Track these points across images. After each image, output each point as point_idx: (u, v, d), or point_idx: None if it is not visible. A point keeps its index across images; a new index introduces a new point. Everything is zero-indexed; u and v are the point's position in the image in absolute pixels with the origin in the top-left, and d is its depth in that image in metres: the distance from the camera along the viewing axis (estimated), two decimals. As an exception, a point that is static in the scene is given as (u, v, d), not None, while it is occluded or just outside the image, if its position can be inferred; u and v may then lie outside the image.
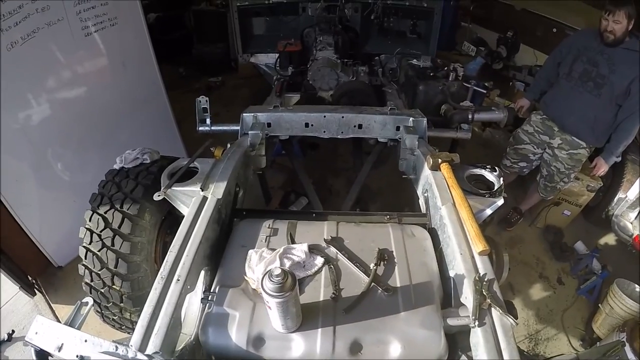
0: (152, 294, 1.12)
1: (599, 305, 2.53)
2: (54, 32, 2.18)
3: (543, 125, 2.60)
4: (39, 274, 2.65)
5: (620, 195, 2.86)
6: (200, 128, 2.23)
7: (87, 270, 1.60)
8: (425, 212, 1.64)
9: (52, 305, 2.58)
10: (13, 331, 2.40)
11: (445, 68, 2.71)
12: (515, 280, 2.76)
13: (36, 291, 2.60)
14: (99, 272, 1.57)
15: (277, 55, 3.12)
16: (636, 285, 2.46)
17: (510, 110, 2.49)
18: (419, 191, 1.79)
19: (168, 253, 1.23)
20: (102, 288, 1.59)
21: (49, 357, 1.12)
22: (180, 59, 3.59)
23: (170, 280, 1.15)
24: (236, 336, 1.09)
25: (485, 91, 2.85)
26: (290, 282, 0.94)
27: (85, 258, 1.59)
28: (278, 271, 0.94)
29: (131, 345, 1.01)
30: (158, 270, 1.64)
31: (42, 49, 2.17)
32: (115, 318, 1.69)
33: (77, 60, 2.41)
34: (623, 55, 2.18)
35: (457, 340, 1.20)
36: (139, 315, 1.08)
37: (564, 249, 2.98)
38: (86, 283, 1.62)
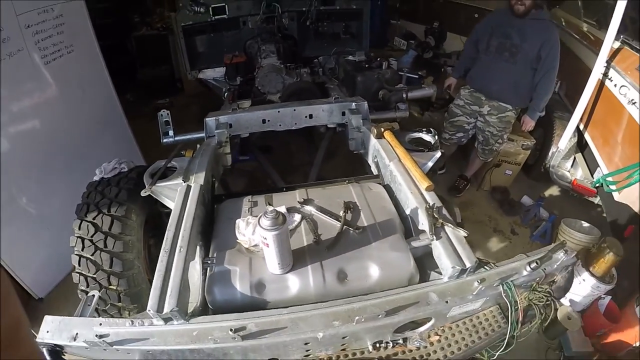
0: (160, 265, 1.35)
1: (550, 241, 3.00)
2: (15, 60, 2.37)
3: (472, 97, 3.09)
4: (20, 308, 2.67)
5: (553, 149, 3.35)
6: (165, 140, 2.45)
7: (81, 277, 1.76)
8: (377, 173, 1.99)
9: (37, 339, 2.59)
10: None
11: (378, 59, 3.14)
12: (472, 238, 3.12)
13: None
14: (95, 276, 1.74)
15: (224, 68, 3.41)
16: (582, 222, 2.94)
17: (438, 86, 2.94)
18: (370, 160, 2.17)
19: (166, 231, 1.47)
20: (99, 291, 1.75)
21: (62, 355, 1.29)
22: (125, 86, 3.74)
23: (174, 251, 1.39)
24: (240, 287, 1.35)
25: (417, 76, 3.29)
26: (282, 218, 1.24)
27: (79, 265, 1.76)
28: (271, 209, 1.22)
29: (149, 310, 1.22)
30: (149, 269, 1.86)
31: (5, 78, 2.32)
32: (115, 320, 1.85)
33: (38, 88, 2.59)
34: (531, 25, 2.70)
35: (424, 263, 1.53)
36: (139, 311, 1.25)
37: (512, 204, 3.46)
38: (82, 290, 1.76)
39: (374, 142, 2.05)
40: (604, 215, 3.07)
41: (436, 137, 2.00)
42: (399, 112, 2.75)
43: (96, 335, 1.17)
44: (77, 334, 1.20)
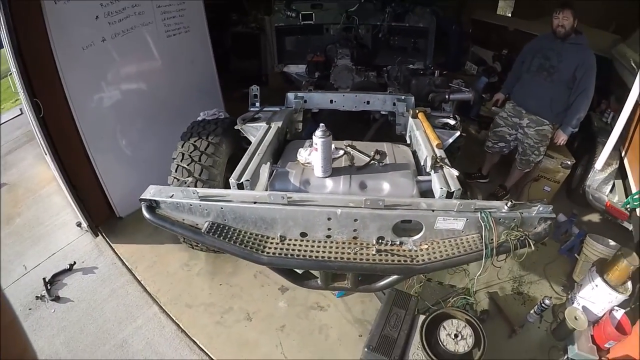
0: (249, 150, 2.20)
1: (576, 255, 3.32)
2: (145, 30, 3.46)
3: (514, 110, 3.64)
4: (102, 221, 3.69)
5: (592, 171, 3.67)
6: (251, 109, 3.22)
7: (175, 180, 2.55)
8: (409, 142, 2.68)
9: (112, 244, 3.55)
10: (74, 262, 3.35)
11: (431, 68, 3.83)
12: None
13: (98, 233, 3.63)
14: (186, 180, 2.51)
15: (305, 65, 4.30)
16: (609, 240, 3.19)
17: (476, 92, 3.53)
18: (406, 134, 2.86)
19: (253, 141, 2.28)
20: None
21: (156, 210, 1.98)
22: (219, 73, 4.70)
23: (256, 151, 2.18)
24: (293, 181, 2.12)
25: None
26: (329, 133, 1.99)
27: (176, 172, 2.55)
28: (323, 126, 1.97)
29: (231, 179, 2.01)
30: (225, 187, 2.63)
31: (136, 42, 3.42)
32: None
33: (159, 54, 3.66)
34: (568, 48, 3.22)
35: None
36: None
37: (546, 218, 3.82)
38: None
39: (410, 120, 2.75)
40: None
41: (458, 121, 2.64)
42: (443, 113, 3.36)
43: (194, 193, 1.93)
44: (172, 194, 1.97)
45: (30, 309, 3.02)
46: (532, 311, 2.89)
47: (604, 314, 2.71)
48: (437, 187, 2.01)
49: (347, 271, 2.05)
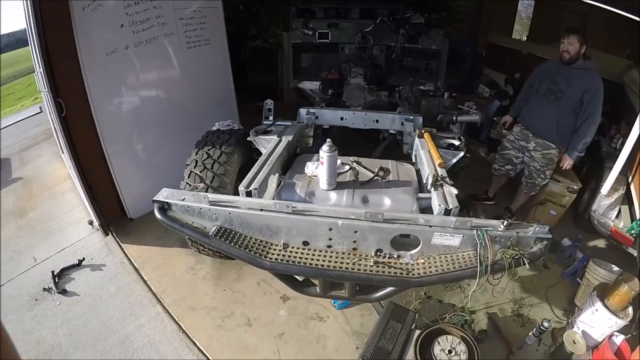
0: (256, 166, 2.32)
1: (578, 279, 3.36)
2: (167, 41, 3.68)
3: (521, 133, 3.74)
4: (114, 221, 3.85)
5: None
6: (265, 122, 3.39)
7: (188, 185, 2.71)
8: (414, 161, 2.80)
9: (121, 244, 3.71)
10: (83, 258, 3.51)
11: (441, 89, 3.96)
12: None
13: (109, 232, 3.79)
14: (197, 185, 2.66)
15: (319, 82, 4.47)
16: (612, 265, 3.22)
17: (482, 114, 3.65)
18: (412, 152, 2.98)
19: (263, 153, 2.43)
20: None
21: (167, 212, 2.12)
22: (235, 85, 4.90)
23: (266, 162, 2.34)
24: (299, 192, 2.25)
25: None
26: (335, 148, 2.12)
27: (189, 177, 2.73)
28: (330, 141, 2.10)
29: (240, 186, 2.16)
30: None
31: (158, 51, 3.64)
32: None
33: (179, 64, 3.88)
34: (576, 74, 3.32)
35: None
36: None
37: (551, 242, 3.86)
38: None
39: (416, 140, 2.88)
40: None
41: (462, 142, 2.76)
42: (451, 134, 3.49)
43: (204, 197, 2.08)
44: (184, 198, 2.13)
45: (36, 299, 3.19)
46: (530, 333, 2.91)
47: (604, 339, 2.71)
48: (435, 204, 2.12)
49: (345, 280, 2.16)
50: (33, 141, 5.93)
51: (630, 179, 3.55)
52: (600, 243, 4.00)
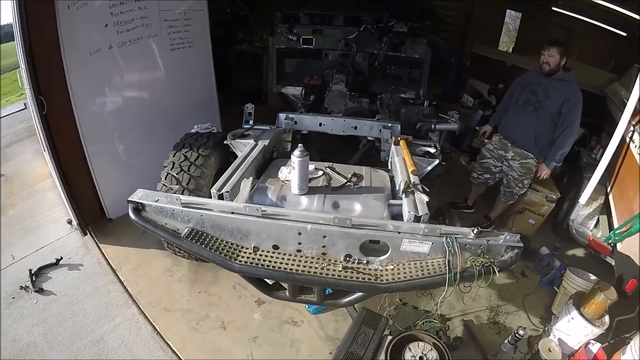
0: (233, 164, 2.37)
1: (555, 288, 3.39)
2: (151, 42, 3.69)
3: (500, 143, 3.80)
4: (92, 221, 3.84)
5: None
6: (245, 126, 3.39)
7: (164, 187, 2.73)
8: (389, 168, 2.84)
9: (99, 244, 3.70)
10: (61, 258, 3.50)
11: (422, 98, 4.00)
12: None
13: (87, 232, 3.78)
14: (172, 187, 2.69)
15: (302, 87, 4.49)
16: (590, 274, 3.25)
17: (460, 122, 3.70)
18: (389, 159, 3.00)
19: (237, 157, 2.44)
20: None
21: (141, 213, 2.14)
22: (219, 88, 4.78)
23: (240, 165, 2.35)
24: (270, 196, 2.27)
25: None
26: (306, 153, 2.15)
27: (165, 179, 2.75)
28: (301, 147, 2.13)
29: (212, 189, 2.18)
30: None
31: (141, 52, 3.65)
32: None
33: (162, 66, 3.89)
34: (555, 85, 3.37)
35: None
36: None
37: (529, 251, 3.91)
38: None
39: (392, 147, 2.91)
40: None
41: (438, 150, 2.80)
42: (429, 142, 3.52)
43: (176, 198, 2.09)
44: (157, 199, 2.14)
45: (13, 297, 3.17)
46: (506, 341, 2.94)
47: (580, 348, 2.75)
48: (406, 210, 2.15)
49: (313, 285, 2.18)
50: (16, 138, 5.88)
51: (608, 189, 3.60)
52: (579, 252, 4.06)
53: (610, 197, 3.57)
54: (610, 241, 3.36)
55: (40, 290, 3.21)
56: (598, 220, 3.71)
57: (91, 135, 3.48)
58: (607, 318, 2.74)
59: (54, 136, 3.24)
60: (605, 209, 3.67)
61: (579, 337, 2.76)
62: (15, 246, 3.68)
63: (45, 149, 3.34)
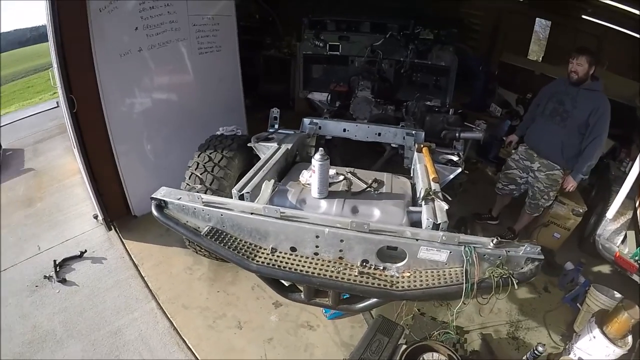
0: (255, 166, 2.43)
1: (579, 305, 3.29)
2: (180, 45, 3.81)
3: (526, 153, 3.72)
4: (117, 217, 3.97)
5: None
6: (270, 130, 3.46)
7: (187, 186, 2.79)
8: (411, 175, 2.83)
9: (123, 239, 3.82)
10: (85, 250, 3.63)
11: (448, 106, 3.97)
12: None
13: (112, 227, 3.91)
14: (195, 186, 2.74)
15: (328, 93, 4.53)
16: (614, 292, 3.14)
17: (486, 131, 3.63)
18: (411, 167, 2.99)
19: (261, 159, 2.50)
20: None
21: (164, 210, 2.20)
22: (247, 92, 4.86)
23: (262, 168, 2.39)
24: (290, 199, 2.30)
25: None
26: (327, 157, 2.17)
27: (189, 179, 2.82)
28: (322, 151, 2.15)
29: (234, 190, 2.22)
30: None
31: (170, 55, 3.76)
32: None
33: (190, 69, 4.00)
34: (583, 94, 3.28)
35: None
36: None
37: (553, 265, 3.83)
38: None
39: (415, 154, 2.90)
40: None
41: (461, 159, 2.77)
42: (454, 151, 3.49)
43: (198, 198, 2.14)
44: (180, 197, 2.20)
45: (37, 286, 3.31)
46: (524, 357, 2.85)
47: None
48: (424, 218, 2.14)
49: (328, 288, 2.18)
50: (48, 134, 6.14)
51: (637, 204, 3.49)
52: (604, 269, 3.94)
53: (639, 212, 3.45)
54: (637, 258, 3.27)
55: (64, 281, 3.34)
56: (625, 236, 3.61)
57: (120, 134, 3.61)
58: (630, 338, 2.65)
59: (83, 133, 3.39)
60: (634, 224, 3.57)
61: (600, 357, 2.67)
62: (41, 237, 3.85)
63: (75, 145, 3.49)
